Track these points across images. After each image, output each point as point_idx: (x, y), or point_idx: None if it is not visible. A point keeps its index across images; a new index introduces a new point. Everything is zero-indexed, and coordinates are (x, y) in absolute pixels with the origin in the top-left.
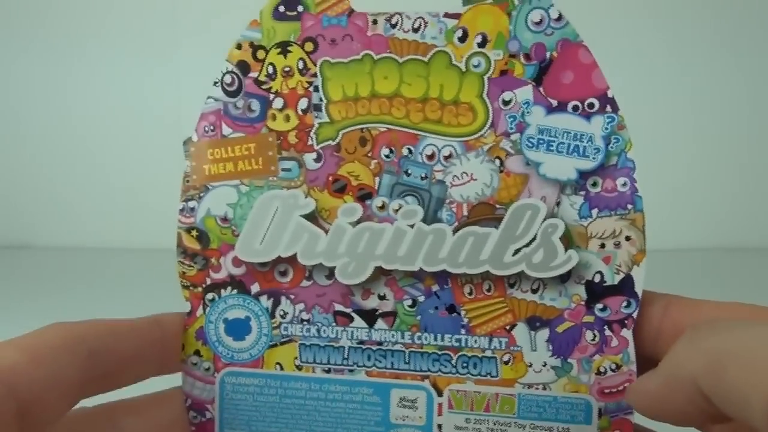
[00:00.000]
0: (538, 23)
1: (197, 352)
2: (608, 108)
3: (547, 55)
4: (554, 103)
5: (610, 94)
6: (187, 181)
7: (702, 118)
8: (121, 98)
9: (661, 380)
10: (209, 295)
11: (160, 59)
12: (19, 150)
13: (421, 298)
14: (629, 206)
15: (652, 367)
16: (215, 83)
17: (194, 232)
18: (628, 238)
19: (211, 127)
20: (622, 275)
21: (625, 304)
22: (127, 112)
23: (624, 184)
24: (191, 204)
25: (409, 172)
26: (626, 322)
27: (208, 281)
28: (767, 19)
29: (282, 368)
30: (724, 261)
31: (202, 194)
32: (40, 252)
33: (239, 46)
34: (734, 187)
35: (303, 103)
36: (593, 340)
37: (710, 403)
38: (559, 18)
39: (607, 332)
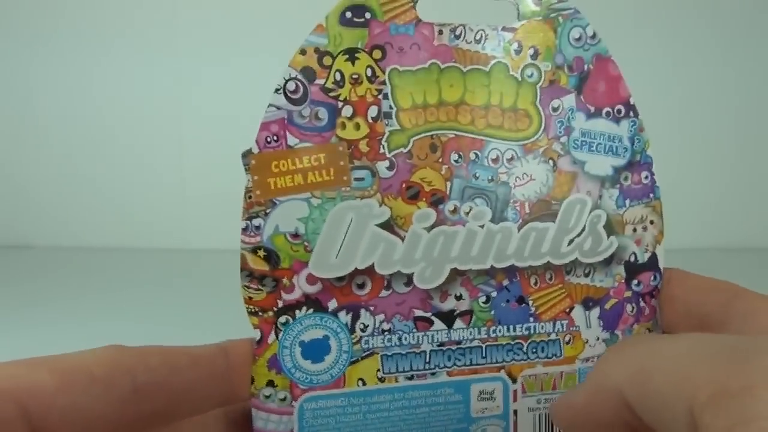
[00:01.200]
0: (578, 39)
1: (270, 383)
2: (631, 113)
3: (585, 67)
4: (592, 109)
5: (631, 101)
6: (250, 197)
7: (702, 117)
8: (122, 98)
9: (586, 393)
10: (282, 319)
11: (161, 59)
12: (19, 150)
13: (494, 294)
14: (651, 195)
15: None
16: (277, 90)
17: (261, 252)
18: (652, 222)
19: (275, 137)
20: (649, 254)
21: (653, 278)
22: (127, 112)
23: (646, 177)
24: (256, 222)
25: (477, 175)
26: (654, 293)
27: (280, 303)
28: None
29: (364, 383)
30: (724, 261)
31: (268, 210)
32: (40, 252)
33: (303, 52)
34: (734, 187)
35: (373, 111)
36: (632, 311)
37: (635, 414)
38: (594, 36)
39: (642, 303)
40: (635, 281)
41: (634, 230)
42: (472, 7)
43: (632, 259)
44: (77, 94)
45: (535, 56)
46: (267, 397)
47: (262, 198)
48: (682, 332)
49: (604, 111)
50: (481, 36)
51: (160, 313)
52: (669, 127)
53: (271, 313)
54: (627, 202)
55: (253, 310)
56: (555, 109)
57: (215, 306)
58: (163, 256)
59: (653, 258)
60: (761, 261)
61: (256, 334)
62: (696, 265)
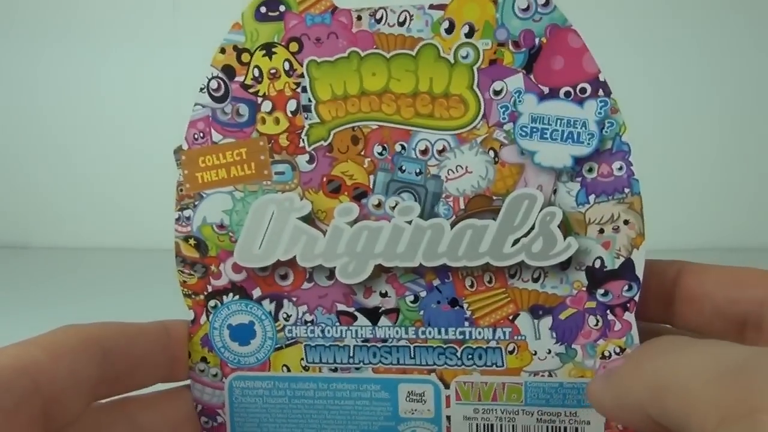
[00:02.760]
0: (526, 9)
1: (204, 359)
2: (600, 92)
3: (536, 41)
4: (546, 90)
5: (601, 78)
6: (181, 190)
7: (702, 117)
8: (121, 98)
9: (612, 401)
10: (211, 303)
11: (161, 59)
12: (18, 150)
13: (423, 294)
14: (626, 190)
15: (665, 332)
16: (201, 89)
17: (192, 241)
18: (626, 222)
19: (201, 134)
20: (622, 259)
21: (626, 287)
22: (127, 112)
23: (620, 168)
24: (186, 213)
25: (404, 168)
26: (628, 305)
27: (210, 288)
28: None
29: (289, 370)
30: (724, 261)
31: (196, 202)
32: (40, 252)
33: (223, 51)
34: (734, 187)
35: (292, 105)
36: (596, 325)
37: (662, 425)
38: (547, 3)
39: (610, 317)
40: (601, 290)
41: (601, 231)
42: None
43: (597, 264)
44: (77, 94)
45: (470, 34)
46: (201, 371)
47: (191, 191)
48: (714, 337)
49: (562, 91)
50: (405, 17)
51: (160, 313)
52: (668, 125)
53: (202, 297)
54: (591, 198)
55: (187, 292)
56: (497, 93)
57: None
58: (163, 256)
59: (627, 264)
60: (761, 261)
61: (190, 315)
62: None
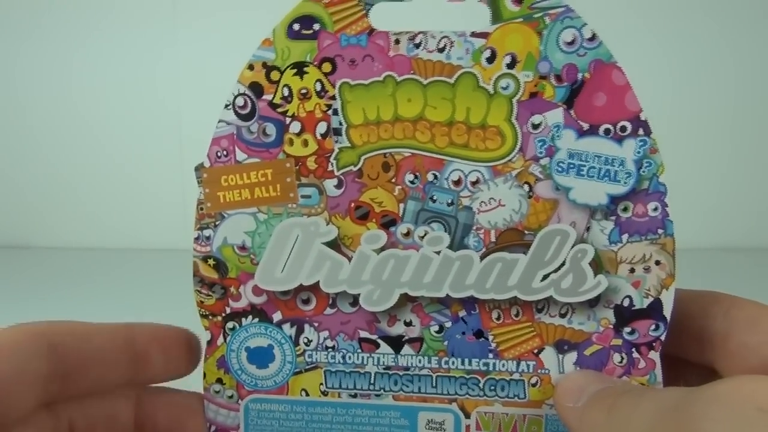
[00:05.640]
0: (571, 43)
1: (219, 380)
2: (641, 131)
3: (579, 76)
4: (585, 126)
5: (642, 116)
6: (201, 209)
7: (702, 117)
8: (121, 98)
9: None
10: (229, 324)
11: (161, 59)
12: (18, 150)
13: (448, 324)
14: (660, 231)
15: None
16: (226, 106)
17: (211, 261)
18: (657, 263)
19: (224, 152)
20: (650, 299)
21: (653, 327)
22: (127, 112)
23: (655, 209)
24: (207, 232)
25: (435, 198)
26: (654, 344)
27: (228, 310)
28: None
29: (308, 394)
30: (724, 261)
31: (217, 222)
32: (40, 252)
33: (251, 67)
34: (734, 187)
35: (322, 127)
36: (621, 362)
37: None
38: (593, 38)
39: (635, 354)
40: (628, 329)
41: (632, 270)
42: (435, 11)
43: (626, 303)
44: (76, 94)
45: (512, 65)
46: (216, 392)
47: (212, 210)
48: None
49: (602, 128)
50: (445, 44)
51: (159, 314)
52: (667, 125)
53: (219, 318)
54: (624, 237)
55: (204, 313)
56: (535, 126)
57: None
58: (163, 256)
59: (656, 304)
60: (761, 261)
61: (207, 336)
62: (696, 265)
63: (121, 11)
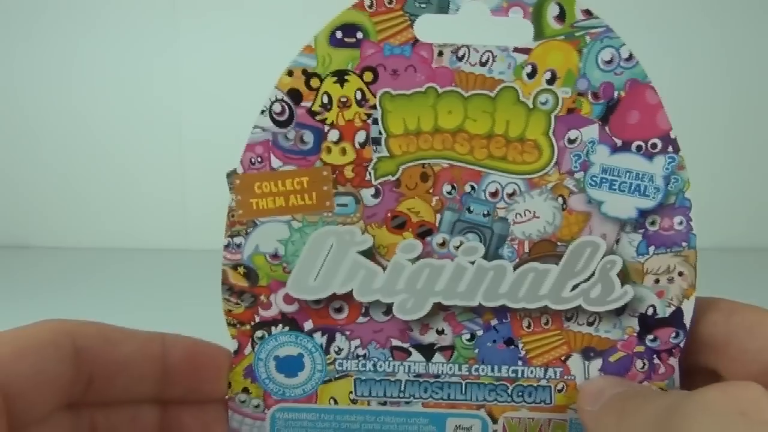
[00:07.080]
0: (609, 62)
1: (245, 390)
2: (670, 148)
3: (615, 94)
4: (619, 142)
5: (672, 135)
6: (232, 216)
7: (702, 117)
8: (121, 97)
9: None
10: (258, 333)
11: (161, 59)
12: (18, 149)
13: (480, 332)
14: (684, 243)
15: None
16: (263, 112)
17: (241, 269)
18: (680, 274)
19: (259, 159)
20: (673, 308)
21: (674, 335)
22: (126, 112)
23: (680, 223)
24: (237, 240)
25: (471, 209)
26: (674, 351)
27: (257, 319)
28: None
29: (336, 402)
30: (724, 261)
31: (249, 230)
32: (40, 252)
33: (290, 73)
34: (734, 187)
35: (361, 136)
36: (642, 368)
37: None
38: (630, 58)
39: (656, 360)
40: (650, 336)
41: (657, 281)
42: (479, 25)
43: (650, 312)
44: (76, 93)
45: (552, 81)
46: (242, 402)
47: (244, 218)
48: None
49: (635, 145)
50: (488, 58)
51: (159, 314)
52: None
53: (248, 327)
54: (651, 249)
55: (231, 321)
56: (571, 141)
57: (215, 306)
58: (163, 256)
59: (677, 313)
60: (761, 261)
61: (234, 345)
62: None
63: (121, 11)
